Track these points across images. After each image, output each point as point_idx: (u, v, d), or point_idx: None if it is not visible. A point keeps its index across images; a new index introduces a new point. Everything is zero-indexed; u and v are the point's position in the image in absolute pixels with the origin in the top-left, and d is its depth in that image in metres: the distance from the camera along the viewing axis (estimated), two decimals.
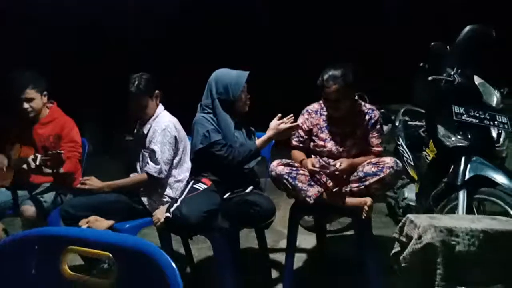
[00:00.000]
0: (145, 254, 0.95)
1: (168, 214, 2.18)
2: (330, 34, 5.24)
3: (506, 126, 2.31)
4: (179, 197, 2.33)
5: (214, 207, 2.24)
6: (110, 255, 0.98)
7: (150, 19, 5.24)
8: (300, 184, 2.33)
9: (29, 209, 2.66)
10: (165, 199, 2.62)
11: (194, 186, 2.37)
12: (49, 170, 2.62)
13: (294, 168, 2.39)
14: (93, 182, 2.53)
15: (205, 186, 2.37)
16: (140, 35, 5.24)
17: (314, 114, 2.58)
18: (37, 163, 2.52)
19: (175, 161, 2.66)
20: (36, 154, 2.56)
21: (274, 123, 2.46)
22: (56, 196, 2.82)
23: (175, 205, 2.19)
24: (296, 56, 5.26)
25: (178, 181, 2.68)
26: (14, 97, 2.79)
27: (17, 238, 1.16)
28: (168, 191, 2.65)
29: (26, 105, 2.79)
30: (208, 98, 2.48)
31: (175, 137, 2.63)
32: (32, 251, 1.12)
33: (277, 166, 2.38)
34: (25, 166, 2.58)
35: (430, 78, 2.53)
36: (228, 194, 2.42)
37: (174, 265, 0.92)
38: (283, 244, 2.92)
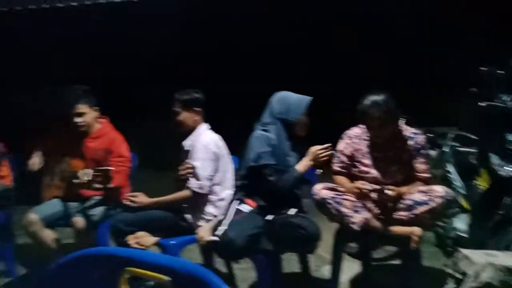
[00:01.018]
0: (203, 281, 0.96)
1: (215, 238, 2.19)
2: (377, 56, 5.18)
3: None
4: (224, 217, 2.34)
5: (259, 230, 2.24)
6: (169, 278, 0.99)
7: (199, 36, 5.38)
8: (345, 210, 2.29)
9: (80, 221, 2.76)
10: (208, 217, 2.65)
11: (239, 207, 2.38)
12: (98, 186, 2.72)
13: (339, 193, 2.35)
14: (140, 199, 2.60)
15: (250, 208, 2.37)
16: (185, 50, 5.38)
17: (355, 139, 2.53)
18: (87, 179, 2.63)
19: (217, 178, 2.69)
20: (87, 170, 2.66)
21: (314, 149, 2.45)
22: (105, 209, 2.91)
23: (221, 229, 2.20)
24: (342, 77, 5.23)
25: (221, 199, 2.69)
26: (67, 111, 2.95)
27: (79, 256, 1.20)
28: (211, 209, 2.67)
29: (77, 119, 2.93)
30: (268, 117, 2.50)
31: (217, 154, 2.67)
32: (92, 269, 1.16)
33: (321, 190, 2.35)
34: (75, 181, 2.69)
35: (483, 104, 2.45)
36: (271, 216, 2.42)
37: None
38: (326, 269, 2.85)
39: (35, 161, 2.95)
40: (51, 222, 2.90)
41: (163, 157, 3.45)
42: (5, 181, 3.32)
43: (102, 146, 3.02)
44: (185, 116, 2.73)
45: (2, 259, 3.25)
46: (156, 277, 1.02)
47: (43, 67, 5.36)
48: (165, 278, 0.99)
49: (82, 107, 2.93)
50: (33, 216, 2.82)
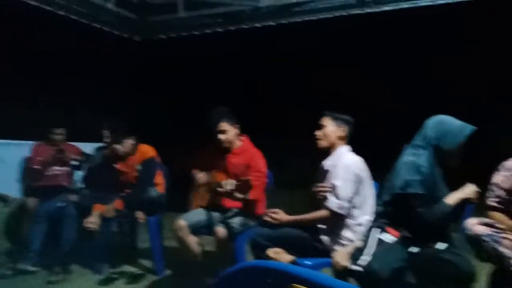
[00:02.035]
0: None
1: (357, 268, 2.14)
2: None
3: None
4: (364, 245, 2.27)
5: (403, 264, 2.12)
6: None
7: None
8: (505, 250, 2.06)
9: (221, 231, 2.97)
10: (344, 241, 2.61)
11: (381, 237, 2.28)
12: (238, 195, 2.90)
13: (497, 230, 2.12)
14: (279, 215, 2.68)
15: (392, 238, 2.26)
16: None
17: None
18: (230, 188, 2.83)
19: (357, 201, 2.63)
20: (229, 180, 2.87)
21: (472, 188, 2.25)
22: (243, 221, 3.08)
23: (364, 259, 2.13)
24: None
25: (359, 224, 2.63)
26: (212, 129, 3.21)
27: (246, 267, 1.29)
28: (348, 234, 2.63)
29: (220, 136, 3.19)
30: (421, 141, 2.32)
31: (358, 176, 2.62)
32: (259, 282, 1.23)
33: (475, 225, 2.15)
34: (219, 189, 2.91)
35: None
36: (416, 248, 2.28)
37: None
38: None
39: (201, 175, 3.30)
40: (195, 229, 3.18)
41: (297, 176, 3.53)
42: (159, 188, 3.76)
43: (243, 162, 3.23)
44: (330, 131, 2.73)
45: (151, 259, 3.64)
46: None
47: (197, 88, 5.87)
48: None
49: (224, 125, 3.19)
50: (182, 222, 3.11)
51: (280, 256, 2.53)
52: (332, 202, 2.58)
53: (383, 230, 2.33)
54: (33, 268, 3.50)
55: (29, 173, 4.34)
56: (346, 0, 5.01)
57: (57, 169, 4.28)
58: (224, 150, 3.30)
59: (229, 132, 3.22)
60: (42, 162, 4.18)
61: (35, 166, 4.20)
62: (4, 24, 4.52)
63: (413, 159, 2.26)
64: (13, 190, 4.36)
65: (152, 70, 6.29)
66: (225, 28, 5.82)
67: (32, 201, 3.91)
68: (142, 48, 6.43)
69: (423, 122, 2.40)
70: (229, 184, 2.85)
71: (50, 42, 4.94)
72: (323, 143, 2.75)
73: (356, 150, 2.77)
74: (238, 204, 3.14)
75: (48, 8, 5.07)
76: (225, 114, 3.23)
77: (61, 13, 5.25)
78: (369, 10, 4.90)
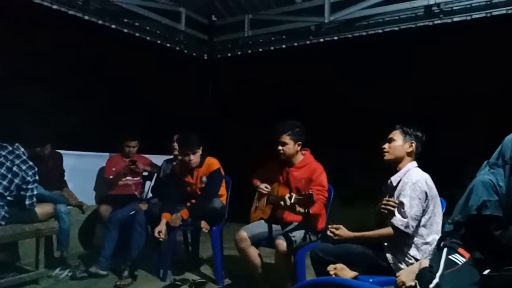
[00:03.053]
0: None
1: None
2: None
3: None
4: (431, 266, 2.14)
5: (475, 287, 1.98)
6: None
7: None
8: None
9: (282, 244, 2.97)
10: (410, 260, 2.49)
11: (450, 257, 2.14)
12: (300, 209, 2.88)
13: None
14: (341, 231, 2.62)
15: (463, 259, 2.11)
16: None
17: None
18: (292, 201, 2.82)
19: (424, 220, 2.52)
20: (292, 194, 2.87)
21: None
22: (304, 235, 3.06)
23: (434, 282, 2.02)
24: None
25: (427, 243, 2.51)
26: (274, 139, 3.25)
27: (321, 282, 1.28)
28: (414, 252, 2.51)
29: (279, 147, 3.23)
30: (499, 159, 2.16)
31: (426, 193, 2.50)
32: None
33: None
34: (281, 203, 2.91)
35: None
36: (488, 270, 2.11)
37: None
38: None
39: (264, 186, 3.37)
40: (256, 241, 3.21)
41: (360, 191, 3.45)
42: (222, 199, 3.85)
43: (305, 176, 3.24)
44: (398, 145, 2.66)
45: (212, 267, 3.72)
46: None
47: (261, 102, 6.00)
48: None
49: (285, 138, 3.23)
50: (244, 233, 3.16)
51: (342, 272, 2.47)
52: (398, 220, 2.48)
53: (454, 251, 2.19)
54: (104, 272, 3.70)
55: (104, 183, 4.67)
56: (414, 12, 4.87)
57: (129, 179, 4.57)
58: (284, 162, 3.33)
59: (289, 145, 3.24)
60: (116, 173, 4.49)
61: (110, 176, 4.52)
62: (94, 49, 4.98)
63: (490, 178, 2.09)
64: (89, 198, 4.71)
65: (217, 86, 6.53)
66: (290, 44, 5.90)
67: (105, 209, 4.17)
68: (210, 66, 6.71)
69: (501, 138, 2.23)
70: (291, 198, 2.84)
71: (124, 61, 5.33)
72: (389, 157, 2.68)
73: (423, 166, 2.66)
74: (299, 218, 3.13)
75: (125, 30, 5.49)
76: (289, 128, 3.25)
77: (137, 34, 5.65)
78: (438, 22, 4.71)
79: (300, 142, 3.29)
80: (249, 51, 6.30)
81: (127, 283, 3.56)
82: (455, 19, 4.65)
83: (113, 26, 5.30)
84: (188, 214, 3.67)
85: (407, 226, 2.46)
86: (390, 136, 2.71)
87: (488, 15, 4.48)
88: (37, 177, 3.47)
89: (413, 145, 2.65)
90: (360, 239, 2.60)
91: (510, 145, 2.12)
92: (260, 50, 6.18)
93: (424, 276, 2.09)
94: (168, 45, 6.15)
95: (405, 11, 4.93)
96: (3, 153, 3.41)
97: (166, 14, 5.79)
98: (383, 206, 2.59)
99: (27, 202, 3.42)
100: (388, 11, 5.00)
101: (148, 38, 5.82)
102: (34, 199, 3.47)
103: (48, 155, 3.93)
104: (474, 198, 2.08)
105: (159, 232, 3.56)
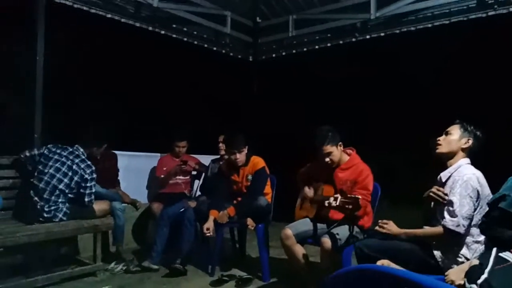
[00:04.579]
0: None
1: (474, 286, 1.96)
2: None
3: None
4: (481, 265, 2.07)
5: None
6: None
7: None
8: None
9: (328, 242, 2.97)
10: (460, 259, 2.41)
11: (501, 255, 2.06)
12: (346, 211, 2.87)
13: None
14: (391, 227, 2.56)
15: None
16: None
17: None
18: (337, 204, 2.81)
19: (475, 219, 2.42)
20: (337, 196, 2.85)
21: None
22: (350, 233, 3.04)
23: (483, 277, 1.95)
24: None
25: (477, 242, 2.41)
26: (317, 149, 3.24)
27: (363, 269, 1.29)
28: (464, 251, 2.42)
29: (326, 159, 3.23)
30: None
31: (478, 191, 2.40)
32: (369, 284, 1.23)
33: None
34: (326, 203, 2.91)
35: None
36: None
37: None
38: None
39: (308, 189, 3.39)
40: (301, 239, 3.23)
41: (409, 190, 3.36)
42: (267, 198, 3.91)
43: (351, 177, 3.21)
44: (454, 139, 2.56)
45: (258, 264, 3.78)
46: None
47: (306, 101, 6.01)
48: None
49: (327, 148, 3.21)
50: (289, 231, 3.19)
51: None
52: (449, 221, 2.39)
53: (504, 249, 2.10)
54: (156, 267, 3.86)
55: (155, 182, 4.88)
56: (465, 3, 4.67)
57: (179, 178, 4.76)
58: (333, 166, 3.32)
59: (333, 153, 3.23)
60: (167, 172, 4.67)
61: (161, 175, 4.71)
62: (146, 54, 5.23)
63: None
64: (142, 196, 4.94)
65: (263, 86, 6.60)
66: (335, 42, 5.84)
67: (157, 206, 4.37)
68: (255, 67, 6.79)
69: None
70: (337, 200, 2.82)
71: (173, 65, 5.54)
72: (442, 149, 2.58)
73: (477, 164, 2.55)
74: (342, 215, 3.12)
75: (175, 35, 5.70)
76: (328, 137, 3.22)
77: (185, 39, 5.85)
78: (492, 13, 4.49)
79: (340, 143, 3.27)
80: (294, 51, 6.31)
81: (178, 277, 3.70)
82: None
83: (163, 32, 5.52)
84: (235, 212, 3.76)
85: (458, 225, 2.37)
86: (448, 129, 2.62)
87: None
88: (94, 176, 3.70)
89: (470, 141, 2.55)
90: (409, 236, 2.54)
91: None
92: (305, 49, 6.17)
93: (474, 273, 2.02)
94: (215, 48, 6.31)
95: (455, 3, 4.74)
96: (64, 153, 3.67)
97: (212, 18, 5.95)
98: (432, 193, 2.52)
99: (86, 199, 3.65)
100: (438, 4, 4.83)
101: (195, 42, 6.00)
102: (93, 197, 3.70)
103: (103, 155, 4.16)
104: (500, 190, 2.06)
105: (207, 228, 3.67)
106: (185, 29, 5.82)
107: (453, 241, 2.44)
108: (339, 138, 3.27)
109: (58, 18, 4.29)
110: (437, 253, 2.47)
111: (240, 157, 3.87)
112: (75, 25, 4.58)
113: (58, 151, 3.68)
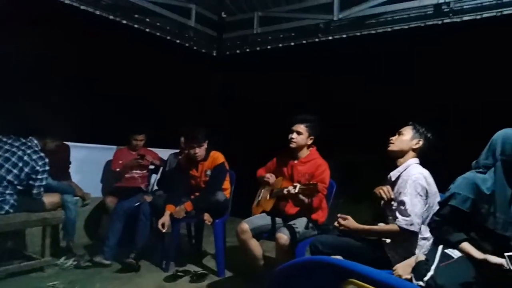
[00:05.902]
0: None
1: (421, 283, 2.03)
2: None
3: None
4: (427, 261, 2.14)
5: (470, 280, 1.97)
6: None
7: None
8: None
9: (283, 237, 2.99)
10: (407, 255, 2.49)
11: (446, 251, 2.14)
12: (303, 198, 2.91)
13: None
14: (349, 223, 2.61)
15: (458, 253, 2.12)
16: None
17: None
18: (296, 191, 2.85)
19: (424, 216, 2.51)
20: (296, 184, 2.90)
21: None
22: (305, 228, 3.08)
23: (429, 274, 2.02)
24: None
25: (424, 238, 2.51)
26: (289, 126, 3.29)
27: (305, 261, 1.30)
28: (412, 247, 2.51)
29: (293, 136, 3.28)
30: (489, 158, 2.18)
31: (426, 189, 2.49)
32: (316, 275, 1.24)
33: None
34: (286, 191, 2.95)
35: None
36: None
37: None
38: None
39: (269, 175, 3.42)
40: (258, 233, 3.24)
41: (363, 188, 3.45)
42: (226, 193, 3.89)
43: (308, 171, 3.27)
44: (406, 139, 2.65)
45: (214, 259, 3.76)
46: None
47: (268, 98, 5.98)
48: None
49: (300, 127, 3.29)
50: (245, 225, 3.19)
51: None
52: (402, 221, 2.46)
53: (449, 246, 2.19)
54: (107, 262, 3.76)
55: (111, 175, 4.74)
56: (423, 10, 4.84)
57: (135, 172, 4.63)
58: (290, 156, 3.36)
59: (302, 135, 3.29)
60: (123, 165, 4.55)
61: (116, 169, 4.58)
62: (105, 44, 5.04)
63: (472, 176, 2.15)
64: (96, 190, 4.78)
65: (225, 82, 6.57)
66: (298, 42, 5.90)
67: (110, 200, 4.24)
68: (218, 62, 6.75)
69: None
70: (296, 188, 2.87)
71: (134, 57, 5.39)
72: (393, 147, 2.67)
73: (426, 164, 2.64)
74: (297, 209, 3.17)
75: (136, 26, 5.55)
76: (308, 120, 3.32)
77: (147, 30, 5.71)
78: (448, 21, 4.67)
79: (313, 137, 3.33)
80: (258, 48, 6.32)
81: (131, 272, 3.62)
82: (465, 18, 4.61)
83: (124, 22, 5.36)
84: (192, 207, 3.72)
85: (412, 224, 2.44)
86: (401, 130, 2.71)
87: (499, 14, 4.42)
88: (47, 168, 3.55)
89: (420, 142, 2.64)
90: (365, 233, 2.60)
91: (499, 144, 2.14)
92: (269, 47, 6.20)
93: (420, 269, 2.09)
94: (178, 41, 6.20)
95: (414, 9, 4.90)
96: (16, 144, 3.51)
97: (176, 10, 5.84)
98: (378, 191, 2.61)
99: (34, 191, 3.50)
100: (398, 9, 4.97)
101: (158, 34, 5.88)
102: (42, 189, 3.55)
103: (56, 146, 3.99)
104: (449, 191, 2.16)
105: (163, 223, 3.60)
106: (147, 19, 5.68)
107: (407, 238, 2.51)
108: (316, 134, 3.34)
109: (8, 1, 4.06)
110: (386, 250, 2.54)
111: (200, 151, 3.83)
112: (28, 10, 4.35)
113: (10, 141, 3.52)
